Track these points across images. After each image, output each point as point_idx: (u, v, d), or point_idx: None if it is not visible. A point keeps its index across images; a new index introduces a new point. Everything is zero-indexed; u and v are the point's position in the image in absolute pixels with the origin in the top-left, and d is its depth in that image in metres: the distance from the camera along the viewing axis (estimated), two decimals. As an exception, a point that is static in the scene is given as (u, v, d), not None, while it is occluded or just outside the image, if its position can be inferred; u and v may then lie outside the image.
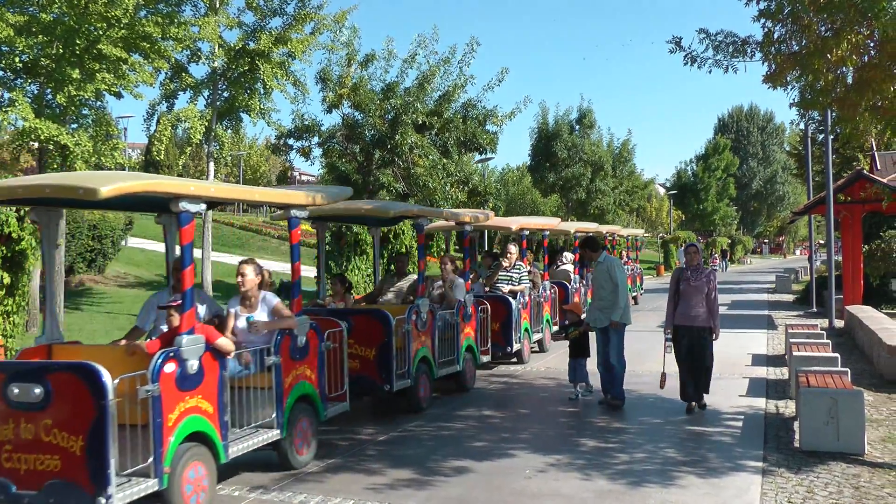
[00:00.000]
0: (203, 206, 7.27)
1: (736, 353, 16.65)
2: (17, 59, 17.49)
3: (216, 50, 22.70)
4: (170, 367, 6.71)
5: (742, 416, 10.85)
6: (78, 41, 16.95)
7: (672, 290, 11.31)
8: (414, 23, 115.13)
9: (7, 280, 12.73)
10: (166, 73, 22.39)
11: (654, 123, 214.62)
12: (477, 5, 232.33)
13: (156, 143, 23.96)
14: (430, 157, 27.88)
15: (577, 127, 51.74)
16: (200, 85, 22.99)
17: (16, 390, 6.29)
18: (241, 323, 8.39)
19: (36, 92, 18.19)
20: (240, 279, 8.40)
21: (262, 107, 23.38)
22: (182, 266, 7.20)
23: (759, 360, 16.00)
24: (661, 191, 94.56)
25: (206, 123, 22.30)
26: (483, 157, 34.58)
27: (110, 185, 6.32)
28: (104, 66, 17.46)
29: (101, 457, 6.06)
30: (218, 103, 23.15)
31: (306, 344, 8.76)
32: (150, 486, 6.45)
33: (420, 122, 27.63)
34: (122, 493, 6.17)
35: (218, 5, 22.21)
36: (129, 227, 33.38)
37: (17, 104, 16.59)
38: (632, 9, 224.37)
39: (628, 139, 56.47)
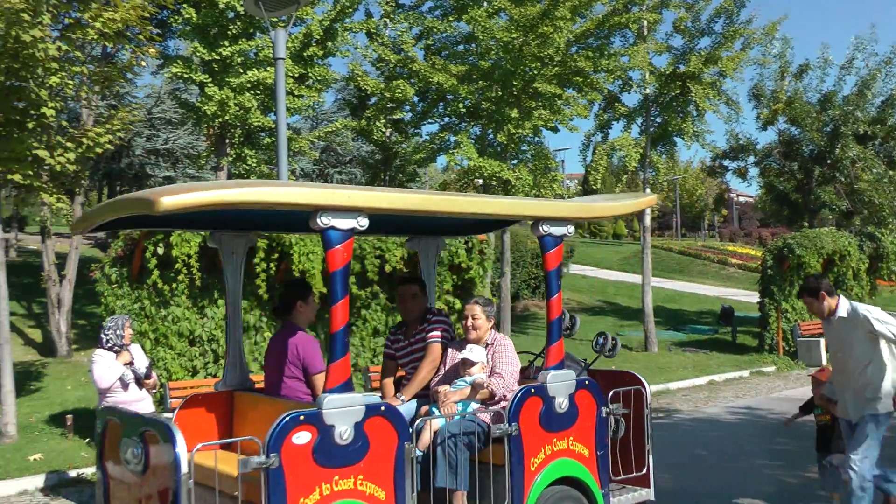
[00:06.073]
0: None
1: None
2: (460, 105, 19.15)
3: (647, 77, 22.93)
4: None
5: None
6: (515, 83, 18.02)
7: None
8: (850, 24, 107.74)
9: (458, 306, 13.78)
10: (599, 105, 23.02)
11: None
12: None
13: (592, 172, 24.63)
14: (875, 169, 25.91)
15: None
16: (633, 113, 23.33)
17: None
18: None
19: (478, 133, 19.67)
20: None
21: (695, 129, 23.18)
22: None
23: None
24: None
25: (641, 150, 22.54)
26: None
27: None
28: (540, 104, 18.38)
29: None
30: (651, 129, 23.32)
31: None
32: None
33: (861, 132, 25.81)
34: None
35: (646, 32, 22.45)
36: (571, 255, 34.58)
37: (462, 146, 18.02)
38: None
39: None
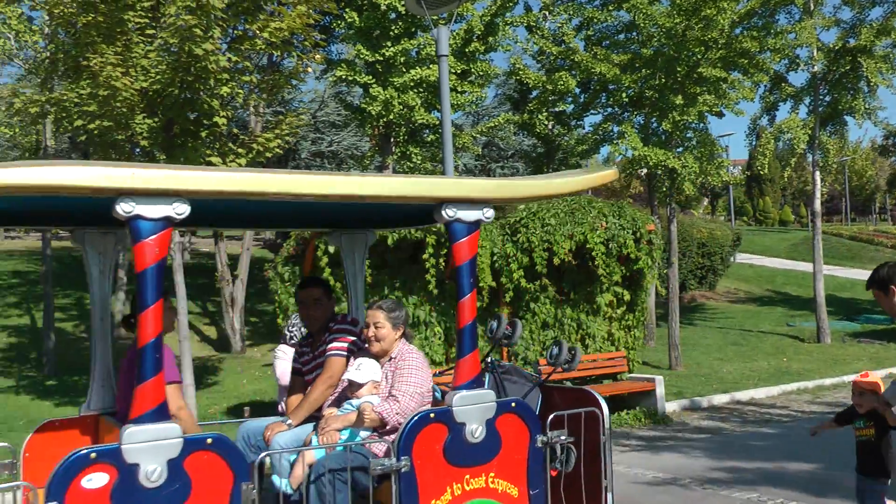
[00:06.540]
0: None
1: None
2: (623, 95, 18.98)
3: (814, 54, 22.12)
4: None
5: None
6: (678, 68, 17.66)
7: None
8: None
9: (627, 297, 13.66)
10: (765, 86, 22.34)
11: None
12: None
13: (759, 157, 23.96)
14: None
15: None
16: (801, 92, 22.56)
17: None
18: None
19: (642, 122, 19.40)
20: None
21: (866, 106, 22.22)
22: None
23: None
24: None
25: (809, 132, 21.77)
26: None
27: None
28: (705, 89, 17.96)
29: None
30: (820, 109, 22.47)
31: None
32: None
33: None
34: None
35: (812, 7, 21.63)
36: (738, 244, 33.74)
37: (626, 135, 17.80)
38: None
39: None
